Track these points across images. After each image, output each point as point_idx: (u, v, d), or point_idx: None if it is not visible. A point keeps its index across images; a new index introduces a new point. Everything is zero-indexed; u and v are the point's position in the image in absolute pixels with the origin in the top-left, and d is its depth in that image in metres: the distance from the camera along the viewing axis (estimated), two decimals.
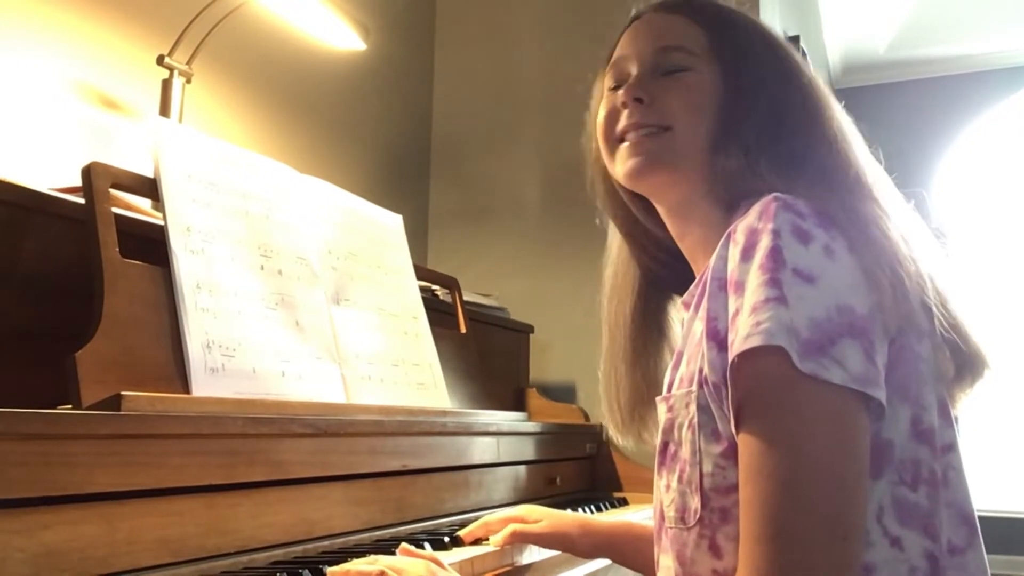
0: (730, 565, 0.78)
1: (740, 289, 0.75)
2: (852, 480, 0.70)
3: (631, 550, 1.12)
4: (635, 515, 1.70)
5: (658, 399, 0.89)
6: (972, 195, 4.31)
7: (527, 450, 1.67)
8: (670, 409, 0.85)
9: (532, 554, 1.22)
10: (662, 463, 0.86)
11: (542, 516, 1.17)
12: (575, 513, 1.22)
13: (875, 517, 0.74)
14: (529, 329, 2.17)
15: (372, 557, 0.95)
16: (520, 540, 1.15)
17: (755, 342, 0.71)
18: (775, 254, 0.73)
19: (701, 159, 0.89)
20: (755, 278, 0.74)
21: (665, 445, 0.86)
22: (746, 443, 0.73)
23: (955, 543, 0.77)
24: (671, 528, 0.83)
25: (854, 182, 0.85)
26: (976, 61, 2.79)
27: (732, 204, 0.87)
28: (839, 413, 0.71)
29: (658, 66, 0.91)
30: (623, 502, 1.82)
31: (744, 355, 0.73)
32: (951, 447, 0.79)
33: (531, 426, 1.72)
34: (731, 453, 0.77)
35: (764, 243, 0.74)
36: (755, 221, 0.76)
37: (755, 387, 0.73)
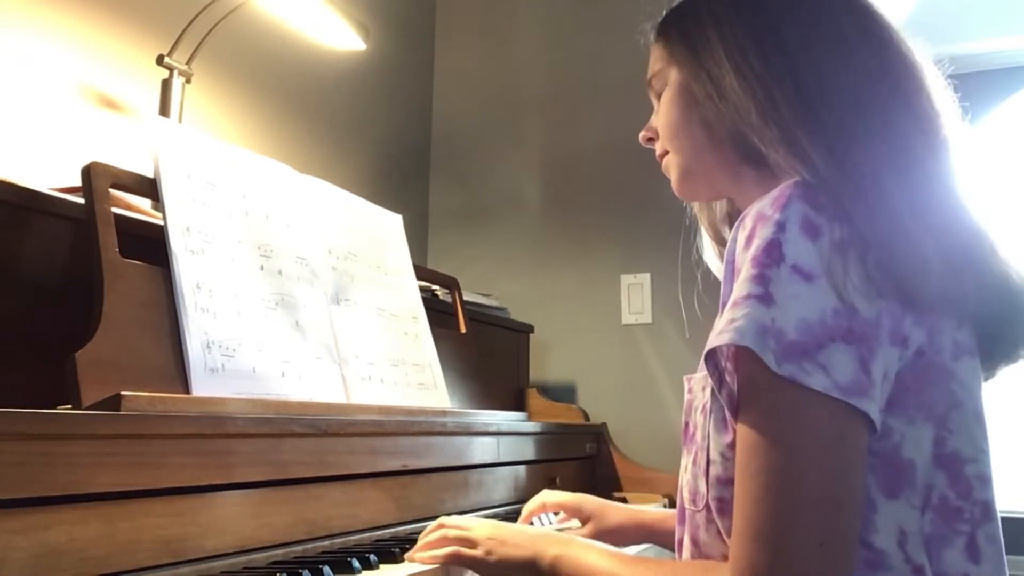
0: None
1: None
2: (834, 488, 0.68)
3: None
4: None
5: (685, 378, 0.89)
6: None
7: (527, 450, 1.67)
8: (690, 391, 0.86)
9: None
10: (684, 443, 0.87)
11: (595, 509, 1.20)
12: (625, 506, 1.25)
13: (896, 542, 0.72)
14: (529, 329, 2.17)
15: (436, 523, 1.01)
16: None
17: (723, 340, 0.71)
18: (771, 248, 0.71)
19: (716, 158, 0.89)
20: (745, 270, 0.72)
21: (686, 426, 0.87)
22: (739, 439, 0.73)
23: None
24: (687, 508, 0.85)
25: (888, 139, 0.78)
26: (976, 61, 2.79)
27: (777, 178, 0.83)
28: (823, 419, 0.68)
29: (655, 98, 0.97)
30: (623, 502, 1.82)
31: (736, 352, 0.73)
32: (984, 480, 0.77)
33: (531, 426, 1.72)
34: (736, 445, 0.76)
35: (764, 234, 0.72)
36: (767, 207, 0.73)
37: (743, 385, 0.73)
